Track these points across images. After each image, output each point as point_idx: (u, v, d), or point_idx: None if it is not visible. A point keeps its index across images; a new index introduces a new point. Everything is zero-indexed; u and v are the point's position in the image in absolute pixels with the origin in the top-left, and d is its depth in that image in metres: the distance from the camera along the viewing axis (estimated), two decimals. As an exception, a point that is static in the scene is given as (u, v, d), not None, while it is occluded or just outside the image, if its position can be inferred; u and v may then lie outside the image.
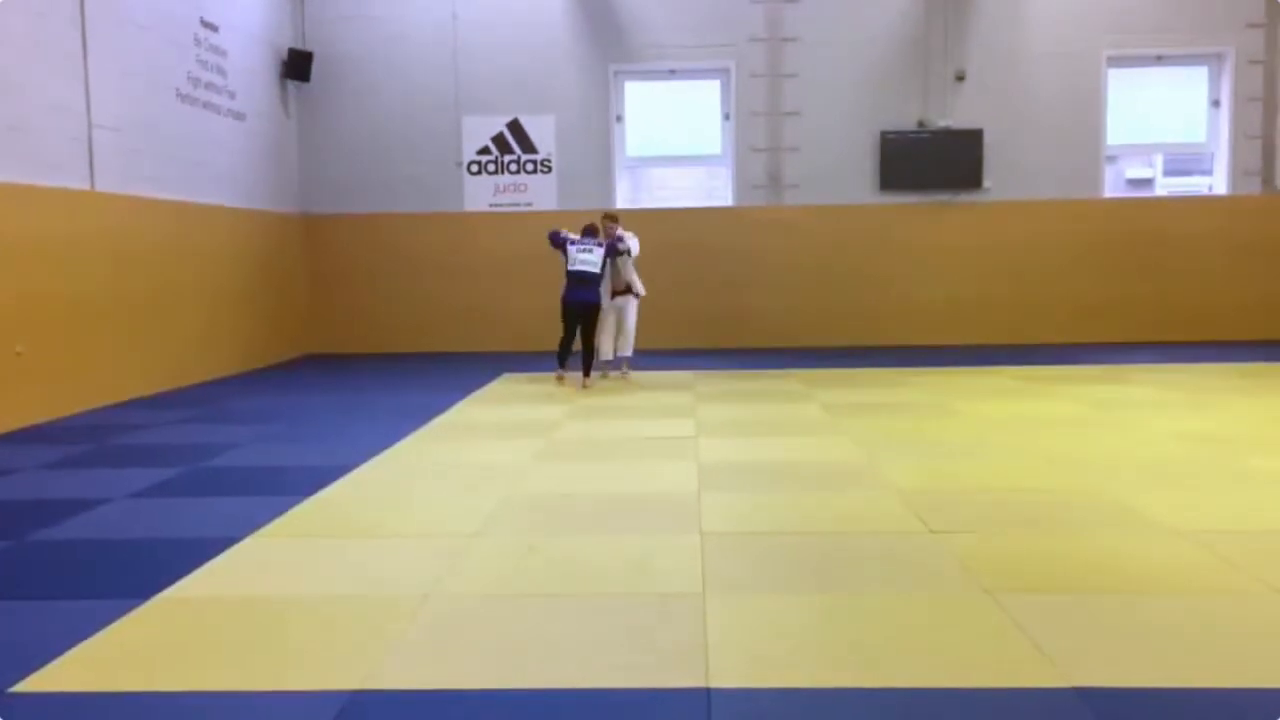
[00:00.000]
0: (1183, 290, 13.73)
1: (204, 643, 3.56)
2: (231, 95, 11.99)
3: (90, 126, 9.20)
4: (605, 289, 10.43)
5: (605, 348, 10.56)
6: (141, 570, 4.35)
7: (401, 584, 4.13)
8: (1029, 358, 11.98)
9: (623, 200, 14.13)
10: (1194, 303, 13.72)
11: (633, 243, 10.50)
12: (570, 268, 10.21)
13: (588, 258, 10.19)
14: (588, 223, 10.74)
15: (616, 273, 10.54)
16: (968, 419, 7.92)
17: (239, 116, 12.20)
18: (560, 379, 10.34)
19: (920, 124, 13.70)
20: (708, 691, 3.08)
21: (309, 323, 14.08)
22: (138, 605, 3.89)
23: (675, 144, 14.35)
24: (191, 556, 4.48)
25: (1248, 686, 3.08)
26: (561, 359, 10.39)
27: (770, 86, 13.81)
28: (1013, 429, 7.43)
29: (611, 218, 10.80)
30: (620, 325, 10.61)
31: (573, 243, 10.30)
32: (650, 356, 12.07)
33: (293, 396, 9.89)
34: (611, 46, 13.87)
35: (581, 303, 10.18)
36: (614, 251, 10.32)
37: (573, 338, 10.33)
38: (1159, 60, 13.72)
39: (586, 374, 10.24)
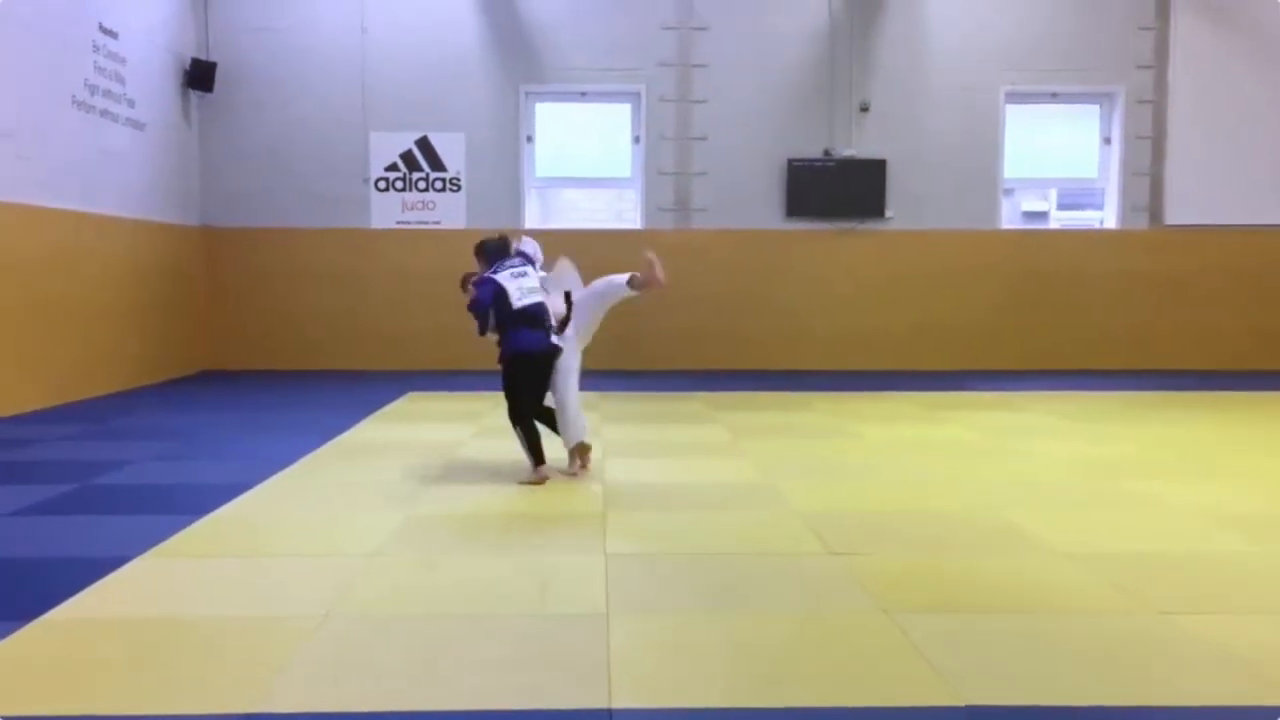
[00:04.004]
0: (1074, 319, 14.19)
1: (91, 665, 3.44)
2: (131, 103, 11.69)
3: (-20, 131, 8.91)
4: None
5: (580, 417, 6.74)
6: (25, 591, 4.19)
7: (298, 604, 4.06)
8: (927, 384, 12.25)
9: (532, 220, 14.11)
10: (1085, 332, 14.19)
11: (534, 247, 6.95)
12: (515, 305, 6.34)
13: (526, 283, 6.47)
14: (489, 240, 6.86)
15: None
16: (867, 443, 8.07)
17: (138, 125, 11.90)
18: (543, 479, 6.44)
19: (826, 153, 13.96)
20: (609, 713, 3.08)
21: (208, 338, 13.75)
22: (20, 627, 3.75)
23: (585, 165, 14.40)
24: (79, 576, 4.33)
25: (1134, 705, 3.19)
26: (535, 447, 6.49)
27: (679, 111, 13.94)
28: (910, 453, 7.59)
29: (515, 237, 7.05)
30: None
31: (495, 272, 6.46)
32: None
33: (189, 413, 9.64)
34: (523, 67, 13.87)
35: (541, 352, 6.45)
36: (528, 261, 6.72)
37: (538, 405, 6.61)
38: (1054, 97, 14.21)
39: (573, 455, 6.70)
